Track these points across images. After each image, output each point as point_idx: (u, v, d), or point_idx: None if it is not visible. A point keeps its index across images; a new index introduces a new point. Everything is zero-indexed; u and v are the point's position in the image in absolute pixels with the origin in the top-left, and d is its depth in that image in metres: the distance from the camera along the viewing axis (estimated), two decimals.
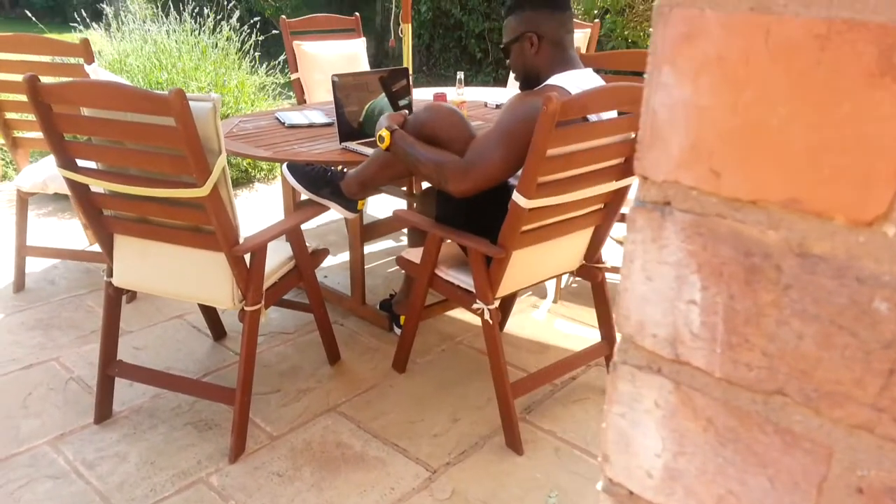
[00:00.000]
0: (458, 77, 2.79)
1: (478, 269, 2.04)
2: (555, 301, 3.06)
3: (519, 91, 2.16)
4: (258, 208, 4.15)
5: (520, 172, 1.96)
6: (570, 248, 2.23)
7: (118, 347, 2.21)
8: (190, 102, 1.70)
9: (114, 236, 2.08)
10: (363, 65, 4.04)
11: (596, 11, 5.99)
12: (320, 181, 2.29)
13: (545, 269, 2.24)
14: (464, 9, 7.09)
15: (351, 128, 2.59)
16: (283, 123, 2.86)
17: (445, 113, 2.06)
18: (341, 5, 9.01)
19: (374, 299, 2.95)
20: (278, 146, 2.55)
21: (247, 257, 1.99)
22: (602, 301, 2.36)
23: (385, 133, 2.05)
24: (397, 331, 2.71)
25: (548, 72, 2.05)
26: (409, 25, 3.60)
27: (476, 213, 2.12)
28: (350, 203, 2.32)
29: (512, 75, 4.27)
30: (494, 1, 7.18)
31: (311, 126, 2.85)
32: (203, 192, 1.78)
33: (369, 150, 2.47)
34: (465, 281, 2.16)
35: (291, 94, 4.82)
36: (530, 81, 2.10)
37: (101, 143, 1.89)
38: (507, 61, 2.16)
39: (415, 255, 2.33)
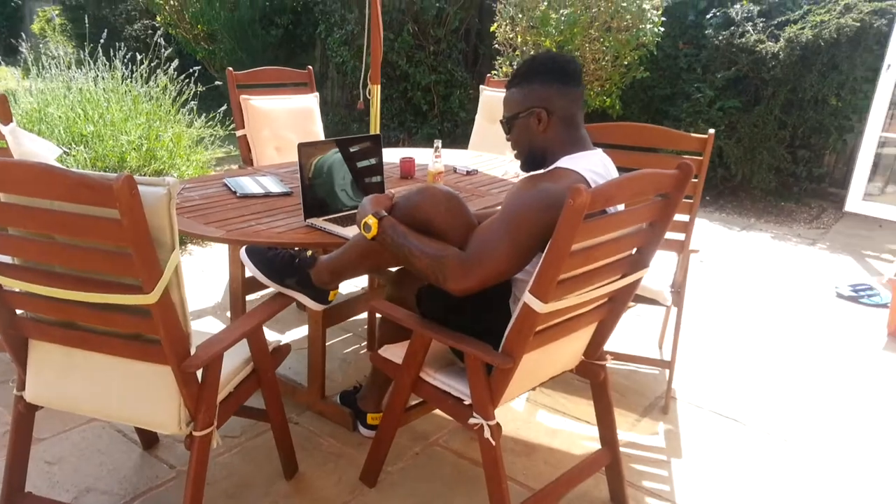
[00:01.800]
0: (435, 144, 2.52)
1: (476, 379, 1.75)
2: (532, 388, 2.78)
3: (521, 171, 1.91)
4: (193, 274, 3.74)
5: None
6: (572, 346, 1.97)
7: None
8: (140, 188, 1.37)
9: (29, 342, 1.69)
10: (316, 121, 3.74)
11: None
12: (286, 269, 1.96)
13: (546, 371, 1.96)
14: (410, 61, 6.89)
15: (317, 202, 2.28)
16: (235, 192, 2.52)
17: (442, 197, 1.78)
18: (278, 51, 8.69)
19: (332, 388, 2.61)
20: (231, 222, 2.21)
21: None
22: (603, 401, 2.09)
23: (371, 220, 1.75)
24: (363, 431, 2.38)
25: (556, 152, 1.81)
26: (378, 87, 3.33)
27: (471, 311, 1.84)
28: (320, 293, 2.00)
29: (474, 136, 4.06)
30: (441, 54, 7.03)
31: (266, 196, 2.52)
32: (151, 298, 1.43)
33: (339, 229, 2.16)
34: (456, 388, 1.86)
35: (231, 146, 4.47)
36: (535, 161, 1.86)
37: (20, 235, 1.51)
38: (507, 137, 1.91)
39: (392, 352, 2.02)
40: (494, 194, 2.75)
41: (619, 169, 1.89)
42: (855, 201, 5.08)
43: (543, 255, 1.57)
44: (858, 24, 5.20)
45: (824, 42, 5.25)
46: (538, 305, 1.59)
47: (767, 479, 2.29)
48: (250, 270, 1.96)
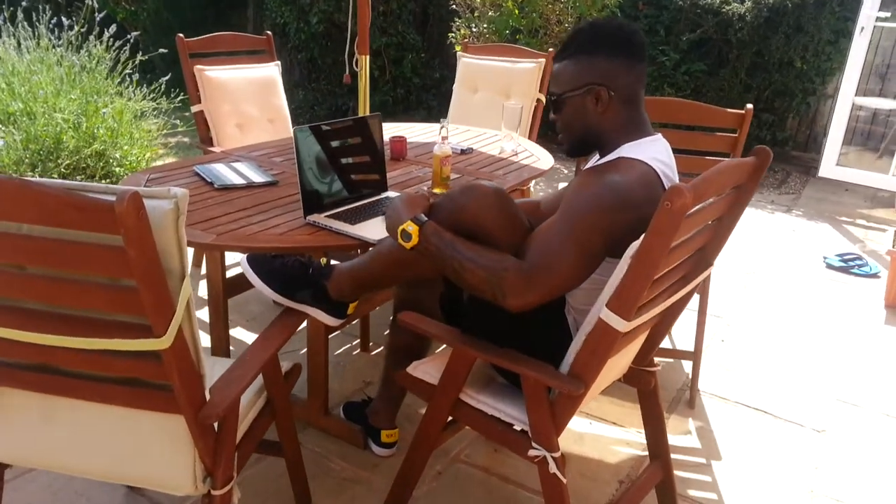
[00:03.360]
0: (441, 124, 2.22)
1: (537, 405, 1.51)
2: None
3: (565, 155, 1.66)
4: None
5: None
6: (628, 356, 1.76)
7: None
8: None
9: None
10: (280, 93, 3.37)
11: (507, 32, 5.60)
12: (298, 281, 1.66)
13: (602, 385, 1.75)
14: None
15: (317, 196, 1.97)
16: (212, 183, 2.17)
17: (492, 196, 1.51)
18: (206, 10, 8.10)
19: (331, 397, 2.33)
20: (218, 222, 1.88)
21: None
22: (654, 411, 1.90)
23: (411, 227, 1.46)
24: (377, 450, 2.12)
25: (615, 138, 1.56)
26: (367, 57, 2.98)
27: (520, 322, 1.58)
28: (338, 307, 1.71)
29: (453, 108, 3.71)
30: (391, 15, 6.63)
31: (249, 187, 2.19)
32: (164, 342, 1.13)
33: (347, 227, 1.87)
34: (506, 412, 1.62)
35: (178, 121, 4.04)
36: (587, 146, 1.61)
37: None
38: (552, 115, 1.63)
39: (425, 371, 1.76)
40: (500, 176, 2.49)
41: None
42: (829, 167, 5.06)
43: (627, 265, 1.34)
44: None
45: (791, 3, 5.15)
46: (621, 324, 1.36)
47: (815, 478, 2.16)
48: (254, 283, 1.66)
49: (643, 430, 1.96)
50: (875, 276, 3.72)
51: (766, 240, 4.22)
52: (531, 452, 1.54)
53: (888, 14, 4.86)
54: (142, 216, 1.03)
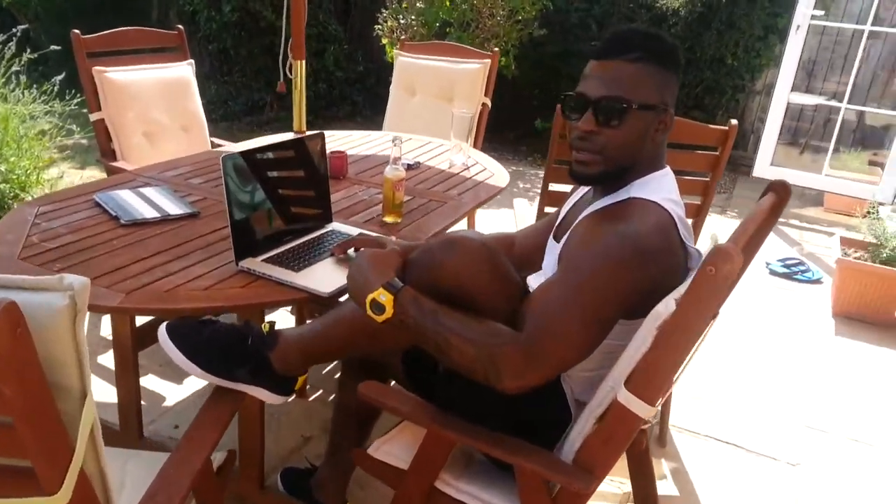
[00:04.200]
0: (394, 141, 1.91)
1: (533, 500, 1.26)
2: None
3: (575, 181, 1.36)
4: None
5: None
6: None
7: None
8: (19, 299, 0.73)
9: None
10: (194, 97, 2.98)
11: (437, 25, 5.32)
12: (234, 355, 1.34)
13: None
14: (276, 11, 6.03)
15: (251, 235, 1.64)
16: (118, 218, 1.80)
17: (482, 254, 1.22)
18: None
19: (269, 462, 2.00)
20: (127, 273, 1.52)
21: None
22: (646, 475, 1.69)
23: (385, 296, 1.17)
24: None
25: (638, 169, 1.33)
26: (303, 63, 2.62)
27: (513, 401, 1.33)
28: (283, 383, 1.40)
29: (390, 112, 3.33)
30: (311, 4, 6.21)
31: (164, 221, 1.83)
32: (58, 500, 0.81)
33: (290, 275, 1.55)
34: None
35: (75, 125, 3.56)
36: (622, 174, 1.33)
37: None
38: (590, 126, 1.27)
39: (389, 451, 1.47)
40: (454, 196, 2.22)
41: None
42: (763, 167, 5.03)
43: (652, 338, 1.10)
44: None
45: None
46: (644, 409, 1.12)
47: None
48: (178, 363, 1.32)
49: (615, 479, 1.76)
50: (818, 281, 3.67)
51: (704, 245, 4.12)
52: None
53: (823, 12, 4.86)
54: (19, 336, 0.71)
